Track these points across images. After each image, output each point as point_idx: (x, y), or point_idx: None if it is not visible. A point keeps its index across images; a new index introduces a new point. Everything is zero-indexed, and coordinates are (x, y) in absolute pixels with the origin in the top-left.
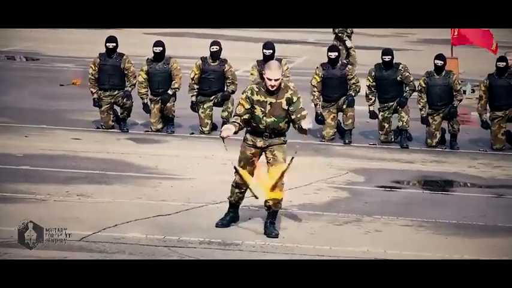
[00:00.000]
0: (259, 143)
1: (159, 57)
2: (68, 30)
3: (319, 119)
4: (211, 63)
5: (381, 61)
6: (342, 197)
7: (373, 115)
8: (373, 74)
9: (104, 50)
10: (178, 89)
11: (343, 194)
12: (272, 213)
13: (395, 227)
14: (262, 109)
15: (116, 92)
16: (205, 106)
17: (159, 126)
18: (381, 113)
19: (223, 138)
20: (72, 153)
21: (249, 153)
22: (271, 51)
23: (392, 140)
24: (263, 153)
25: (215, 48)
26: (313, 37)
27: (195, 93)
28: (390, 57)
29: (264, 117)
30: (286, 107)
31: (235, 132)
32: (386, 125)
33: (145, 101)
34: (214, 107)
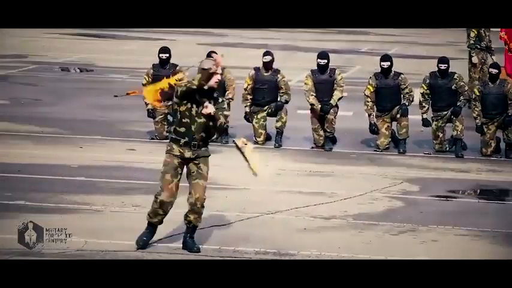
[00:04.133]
0: (188, 153)
1: None
2: (122, 41)
3: (373, 129)
4: (265, 74)
5: (436, 69)
6: (397, 207)
7: (426, 123)
8: (427, 81)
9: (157, 61)
10: (232, 99)
11: (398, 204)
12: (192, 228)
13: (451, 237)
14: (197, 109)
15: (169, 103)
16: (259, 116)
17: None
18: (435, 122)
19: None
20: (127, 164)
21: (176, 162)
22: (325, 60)
23: (447, 149)
24: (186, 165)
25: (268, 58)
26: (366, 46)
27: (249, 103)
28: (446, 65)
29: (196, 118)
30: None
31: None
32: (441, 134)
33: None
34: (267, 117)
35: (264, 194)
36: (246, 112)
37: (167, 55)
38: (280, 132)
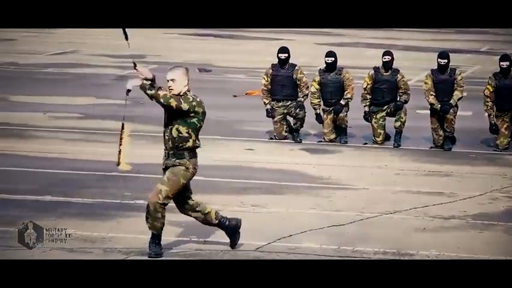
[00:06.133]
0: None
1: (331, 67)
2: (240, 41)
3: (493, 129)
4: (384, 73)
5: None
6: None
7: None
8: None
9: (276, 61)
10: (351, 99)
11: None
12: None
13: None
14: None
15: (288, 103)
16: (378, 116)
17: (332, 136)
18: None
19: None
20: (246, 164)
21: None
22: (446, 60)
23: None
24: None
25: (388, 58)
26: (486, 46)
27: (368, 103)
28: None
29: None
30: None
31: None
32: None
33: (318, 112)
34: (387, 117)
35: (382, 194)
36: (365, 112)
37: (286, 55)
38: (399, 132)
